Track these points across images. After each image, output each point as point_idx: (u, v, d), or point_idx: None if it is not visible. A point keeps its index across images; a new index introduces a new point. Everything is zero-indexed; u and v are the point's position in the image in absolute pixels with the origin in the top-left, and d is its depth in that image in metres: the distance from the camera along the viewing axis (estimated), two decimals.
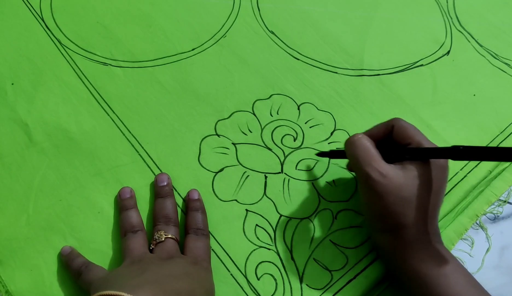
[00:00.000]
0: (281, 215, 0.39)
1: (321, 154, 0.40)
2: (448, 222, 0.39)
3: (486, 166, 0.42)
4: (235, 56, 0.47)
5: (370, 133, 0.36)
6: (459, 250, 0.39)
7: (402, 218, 0.32)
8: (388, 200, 0.32)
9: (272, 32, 0.49)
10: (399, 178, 0.32)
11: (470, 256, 0.39)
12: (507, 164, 0.42)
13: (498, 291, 0.38)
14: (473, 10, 0.52)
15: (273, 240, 0.38)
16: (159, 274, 0.31)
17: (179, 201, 0.39)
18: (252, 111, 0.44)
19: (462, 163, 0.42)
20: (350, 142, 0.34)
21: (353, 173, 0.41)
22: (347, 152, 0.35)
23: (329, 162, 0.41)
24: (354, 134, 0.35)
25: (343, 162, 0.41)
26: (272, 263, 0.37)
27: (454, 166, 0.42)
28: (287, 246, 0.38)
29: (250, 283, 0.36)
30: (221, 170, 0.41)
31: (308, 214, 0.39)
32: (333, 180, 0.41)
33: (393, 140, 0.35)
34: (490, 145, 0.43)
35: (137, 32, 0.48)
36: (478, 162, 0.42)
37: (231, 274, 0.37)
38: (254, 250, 0.38)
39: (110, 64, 0.46)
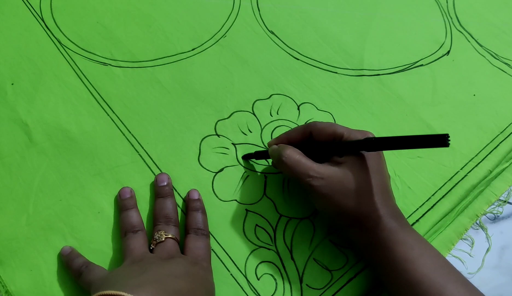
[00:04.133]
0: (281, 215, 0.39)
1: (246, 156, 0.41)
2: (448, 221, 0.39)
3: (486, 165, 0.42)
4: (235, 56, 0.47)
5: (289, 137, 0.37)
6: (459, 250, 0.39)
7: (357, 209, 0.32)
8: (336, 199, 0.32)
9: (272, 32, 0.49)
10: (337, 174, 0.33)
11: (470, 256, 0.39)
12: (507, 163, 0.42)
13: (498, 291, 0.38)
14: (473, 10, 0.52)
15: (273, 240, 0.38)
16: (160, 273, 0.31)
17: (179, 201, 0.39)
18: (252, 111, 0.44)
19: (462, 163, 0.42)
20: (280, 162, 0.35)
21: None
22: (281, 170, 0.35)
23: None
24: (276, 149, 0.35)
25: None
26: (272, 263, 0.37)
27: (454, 165, 0.42)
28: (287, 246, 0.38)
29: (250, 283, 0.36)
30: (221, 170, 0.41)
31: (308, 214, 0.39)
32: None
33: (315, 141, 0.35)
34: (490, 145, 0.43)
35: (137, 32, 0.48)
36: (478, 162, 0.42)
37: (231, 274, 0.37)
38: (254, 250, 0.38)
39: (110, 64, 0.46)
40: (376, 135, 0.33)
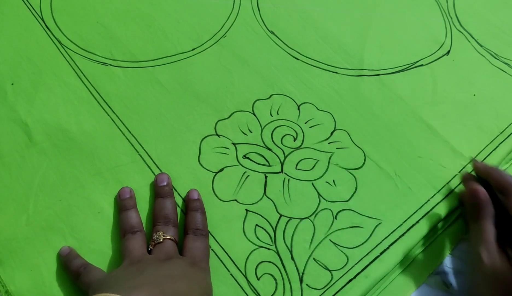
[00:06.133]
0: (281, 215, 0.39)
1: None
2: (448, 222, 0.39)
3: None
4: (235, 56, 0.47)
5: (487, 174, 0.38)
6: (459, 250, 0.39)
7: None
8: (495, 286, 0.32)
9: (272, 32, 0.49)
10: (507, 273, 0.32)
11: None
12: (507, 164, 0.42)
13: None
14: (473, 10, 0.52)
15: (273, 240, 0.38)
16: (157, 275, 0.31)
17: (179, 201, 0.39)
18: (252, 111, 0.44)
19: (460, 165, 0.42)
20: (477, 213, 0.35)
21: (353, 174, 0.41)
22: (470, 223, 0.36)
23: (329, 162, 0.41)
24: (482, 202, 0.36)
25: (344, 163, 0.41)
26: (272, 263, 0.37)
27: (453, 167, 0.42)
28: (287, 246, 0.38)
29: (250, 283, 0.36)
30: (221, 170, 0.41)
31: (308, 214, 0.39)
32: (333, 180, 0.41)
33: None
34: (490, 146, 0.43)
35: (137, 32, 0.48)
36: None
37: (231, 274, 0.37)
38: (254, 250, 0.38)
39: (110, 64, 0.46)
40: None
